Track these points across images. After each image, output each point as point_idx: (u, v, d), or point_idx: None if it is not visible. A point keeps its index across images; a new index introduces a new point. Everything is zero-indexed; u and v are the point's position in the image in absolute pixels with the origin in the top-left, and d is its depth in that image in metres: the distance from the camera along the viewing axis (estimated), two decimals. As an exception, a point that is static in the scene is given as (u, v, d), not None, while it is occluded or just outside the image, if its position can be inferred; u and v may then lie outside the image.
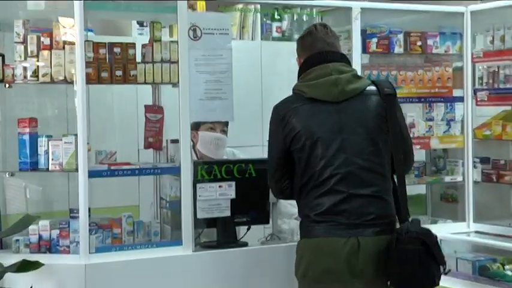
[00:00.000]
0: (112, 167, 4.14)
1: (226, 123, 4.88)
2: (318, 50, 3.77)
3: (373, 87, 3.76)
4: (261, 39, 6.99)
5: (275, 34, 7.10)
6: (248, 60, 6.70)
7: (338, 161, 3.63)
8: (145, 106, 4.62)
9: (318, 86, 3.69)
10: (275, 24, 7.12)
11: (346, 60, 3.83)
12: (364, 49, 4.99)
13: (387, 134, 3.71)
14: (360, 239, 3.60)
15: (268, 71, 6.74)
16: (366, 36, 4.99)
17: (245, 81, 6.46)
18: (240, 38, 6.97)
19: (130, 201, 5.34)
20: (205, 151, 4.82)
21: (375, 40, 5.02)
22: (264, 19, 7.09)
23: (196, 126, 4.81)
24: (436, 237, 3.67)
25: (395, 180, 3.78)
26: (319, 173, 3.65)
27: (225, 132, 4.89)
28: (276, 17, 7.14)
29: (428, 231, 3.66)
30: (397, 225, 3.73)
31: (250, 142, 6.11)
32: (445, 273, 3.65)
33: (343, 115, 3.67)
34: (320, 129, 3.65)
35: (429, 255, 3.58)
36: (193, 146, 4.87)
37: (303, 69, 3.80)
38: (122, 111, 5.89)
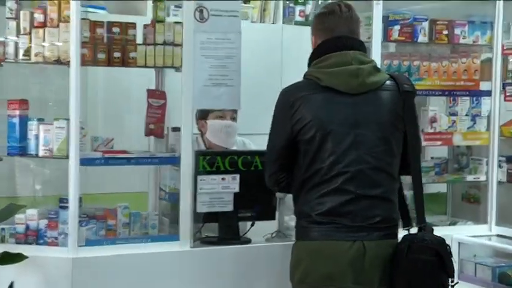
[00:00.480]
0: (106, 155, 3.93)
1: (235, 110, 4.70)
2: (338, 34, 3.55)
3: (391, 82, 3.55)
4: (283, 22, 6.79)
5: (298, 18, 6.88)
6: (268, 44, 6.56)
7: (349, 158, 3.43)
8: (148, 90, 4.41)
9: (336, 74, 3.47)
10: (298, 8, 6.91)
11: (364, 49, 3.61)
12: (386, 37, 4.70)
13: (400, 133, 3.52)
14: (365, 243, 3.40)
15: (289, 56, 6.50)
16: (387, 23, 4.71)
17: (264, 66, 6.39)
18: (260, 21, 6.80)
19: (141, 187, 5.11)
20: (215, 140, 4.69)
21: (397, 27, 4.74)
22: (287, 2, 6.88)
23: (204, 115, 4.67)
24: (449, 247, 3.49)
25: (411, 182, 3.60)
26: (327, 169, 3.43)
27: (234, 119, 4.73)
28: (300, 0, 6.89)
29: (443, 241, 3.47)
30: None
31: (267, 129, 5.94)
32: (452, 286, 3.45)
33: (359, 109, 3.47)
34: (333, 122, 3.44)
35: (441, 266, 3.39)
36: (202, 136, 4.75)
37: (318, 53, 3.57)
38: (136, 95, 5.62)
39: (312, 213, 3.44)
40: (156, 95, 4.35)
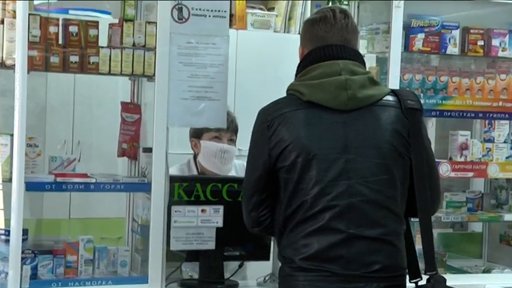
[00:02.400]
0: (58, 179, 3.49)
1: (235, 130, 4.32)
2: (329, 44, 3.12)
3: (392, 98, 3.10)
4: None
5: (328, 29, 6.39)
6: (294, 57, 5.99)
7: (338, 189, 2.97)
8: (122, 104, 3.98)
9: (321, 87, 3.04)
10: (329, 17, 6.42)
11: (361, 60, 3.17)
12: (407, 47, 4.25)
13: (405, 160, 3.05)
14: None
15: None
16: (409, 30, 4.25)
17: (289, 80, 5.89)
18: (284, 31, 6.40)
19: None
20: (208, 165, 4.27)
21: (421, 36, 4.26)
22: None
23: (197, 133, 4.28)
24: None
25: (420, 223, 3.14)
26: (311, 202, 2.98)
27: (233, 141, 4.33)
28: (331, 7, 6.43)
29: None
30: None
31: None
32: None
33: (351, 129, 3.02)
34: (318, 144, 3.00)
35: None
36: (195, 158, 4.36)
37: (305, 64, 3.15)
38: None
39: (295, 258, 2.99)
40: (130, 108, 3.92)
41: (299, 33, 6.31)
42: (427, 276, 3.07)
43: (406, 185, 3.05)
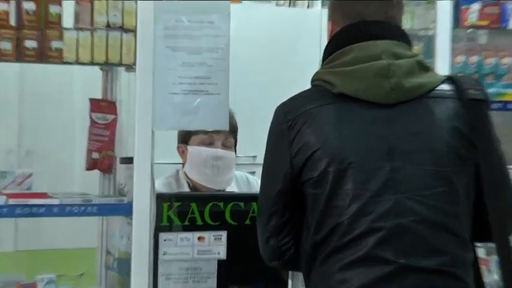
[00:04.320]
0: (11, 201, 3.44)
1: (233, 131, 4.33)
2: (366, 20, 3.12)
3: (449, 87, 3.07)
4: (322, 6, 6.55)
5: (343, 0, 6.59)
6: (301, 33, 6.47)
7: (383, 207, 2.93)
8: (91, 101, 3.97)
9: (357, 75, 3.00)
10: (343, -13, 6.62)
11: (407, 40, 3.15)
12: (457, 22, 4.30)
13: (470, 167, 3.00)
14: None
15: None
16: (460, 1, 4.33)
17: (297, 60, 6.30)
18: (290, 5, 6.72)
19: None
20: (197, 177, 4.34)
21: (476, 7, 4.35)
22: None
23: (184, 137, 4.33)
24: None
25: (497, 247, 3.08)
26: (348, 224, 2.93)
27: (230, 145, 4.35)
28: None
29: None
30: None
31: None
32: None
33: (396, 128, 3.00)
34: (354, 149, 2.97)
35: None
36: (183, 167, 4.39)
37: (334, 46, 3.12)
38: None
39: None
40: (102, 107, 3.91)
41: (308, 7, 6.48)
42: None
43: (471, 198, 3.01)
